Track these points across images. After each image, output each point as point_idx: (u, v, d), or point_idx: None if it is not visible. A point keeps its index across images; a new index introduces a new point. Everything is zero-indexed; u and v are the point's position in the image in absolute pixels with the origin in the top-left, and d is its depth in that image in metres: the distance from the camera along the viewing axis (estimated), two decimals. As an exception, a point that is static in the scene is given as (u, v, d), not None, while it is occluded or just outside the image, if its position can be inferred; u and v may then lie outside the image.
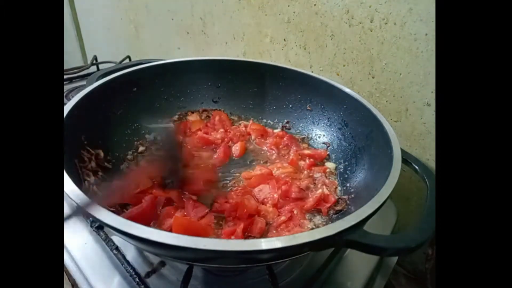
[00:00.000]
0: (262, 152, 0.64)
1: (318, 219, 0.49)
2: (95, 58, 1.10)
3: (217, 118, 0.69)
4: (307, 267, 0.48)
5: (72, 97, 0.47)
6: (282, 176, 0.56)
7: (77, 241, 0.49)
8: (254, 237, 0.44)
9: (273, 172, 0.57)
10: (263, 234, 0.45)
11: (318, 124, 0.67)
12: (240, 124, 0.71)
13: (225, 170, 0.59)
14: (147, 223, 0.43)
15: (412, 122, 0.61)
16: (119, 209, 0.45)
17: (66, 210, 0.54)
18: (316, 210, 0.50)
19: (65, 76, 1.00)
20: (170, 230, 0.43)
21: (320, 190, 0.52)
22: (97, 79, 0.55)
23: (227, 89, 0.73)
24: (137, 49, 1.27)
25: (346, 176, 0.56)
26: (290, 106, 0.70)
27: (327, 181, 0.56)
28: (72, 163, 0.41)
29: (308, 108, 0.68)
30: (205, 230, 0.44)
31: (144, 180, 0.49)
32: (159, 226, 0.44)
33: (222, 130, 0.67)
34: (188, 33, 1.01)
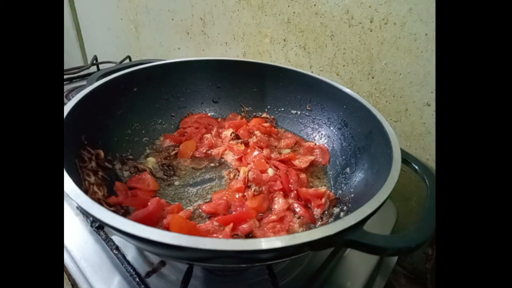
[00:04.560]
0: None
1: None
2: (95, 58, 1.10)
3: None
4: (307, 267, 0.48)
5: (72, 97, 0.47)
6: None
7: (77, 241, 0.49)
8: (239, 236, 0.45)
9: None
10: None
11: (318, 124, 0.67)
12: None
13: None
14: (153, 226, 0.44)
15: (412, 122, 0.61)
16: (119, 209, 0.45)
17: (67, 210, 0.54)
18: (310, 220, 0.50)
19: (65, 76, 1.00)
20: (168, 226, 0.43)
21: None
22: (97, 79, 0.55)
23: (227, 89, 0.73)
24: (137, 49, 1.27)
25: (345, 176, 0.56)
26: (290, 106, 0.71)
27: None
28: (72, 163, 0.41)
29: (308, 108, 0.68)
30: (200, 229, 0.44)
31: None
32: (163, 226, 0.44)
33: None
34: (188, 33, 1.01)
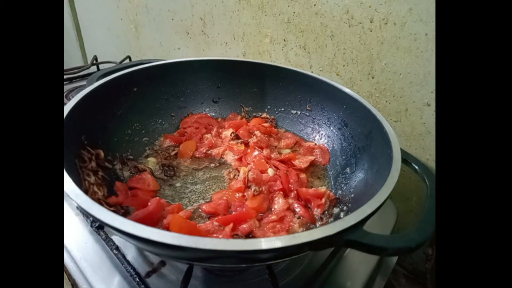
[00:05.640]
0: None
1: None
2: (95, 58, 1.10)
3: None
4: (307, 267, 0.48)
5: (72, 97, 0.47)
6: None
7: (77, 241, 0.49)
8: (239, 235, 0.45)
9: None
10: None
11: (318, 124, 0.67)
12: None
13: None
14: (153, 226, 0.44)
15: (411, 122, 0.61)
16: (119, 209, 0.45)
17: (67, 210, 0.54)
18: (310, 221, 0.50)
19: (65, 76, 1.00)
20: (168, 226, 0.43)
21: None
22: (97, 79, 0.55)
23: (227, 89, 0.73)
24: (137, 49, 1.27)
25: (345, 176, 0.56)
26: (290, 106, 0.71)
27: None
28: (72, 163, 0.41)
29: (308, 108, 0.68)
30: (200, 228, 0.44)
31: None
32: (163, 226, 0.44)
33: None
34: (188, 33, 1.01)
